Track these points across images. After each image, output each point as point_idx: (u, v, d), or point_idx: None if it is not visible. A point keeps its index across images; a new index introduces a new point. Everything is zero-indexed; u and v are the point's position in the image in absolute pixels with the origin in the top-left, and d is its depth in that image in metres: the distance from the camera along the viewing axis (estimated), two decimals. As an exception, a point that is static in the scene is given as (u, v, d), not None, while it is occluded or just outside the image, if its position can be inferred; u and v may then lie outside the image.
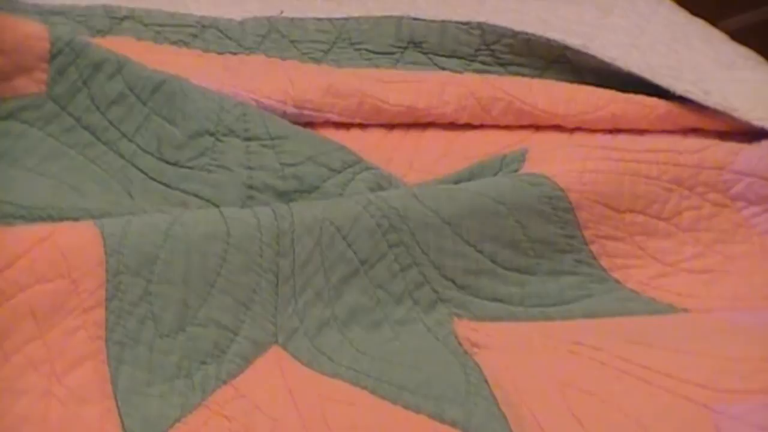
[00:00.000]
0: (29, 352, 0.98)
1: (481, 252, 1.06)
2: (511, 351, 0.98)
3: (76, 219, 1.10)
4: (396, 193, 1.09)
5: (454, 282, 1.05)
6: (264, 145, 1.18)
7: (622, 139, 1.17)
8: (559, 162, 1.11)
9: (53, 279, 1.00)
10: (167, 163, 1.19)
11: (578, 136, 1.24)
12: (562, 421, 0.90)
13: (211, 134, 1.18)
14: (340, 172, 1.16)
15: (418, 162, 1.21)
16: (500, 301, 1.05)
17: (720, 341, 0.94)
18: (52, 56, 1.23)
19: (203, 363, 1.00)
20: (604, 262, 1.07)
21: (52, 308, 0.99)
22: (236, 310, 1.02)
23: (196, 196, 1.16)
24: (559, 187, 1.08)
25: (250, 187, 1.15)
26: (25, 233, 1.02)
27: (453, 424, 0.93)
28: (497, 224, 1.07)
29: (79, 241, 1.03)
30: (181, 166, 1.18)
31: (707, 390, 0.89)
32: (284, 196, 1.15)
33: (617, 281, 1.07)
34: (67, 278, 1.00)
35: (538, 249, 1.07)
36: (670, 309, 1.03)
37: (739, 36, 1.30)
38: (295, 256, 1.05)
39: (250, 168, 1.16)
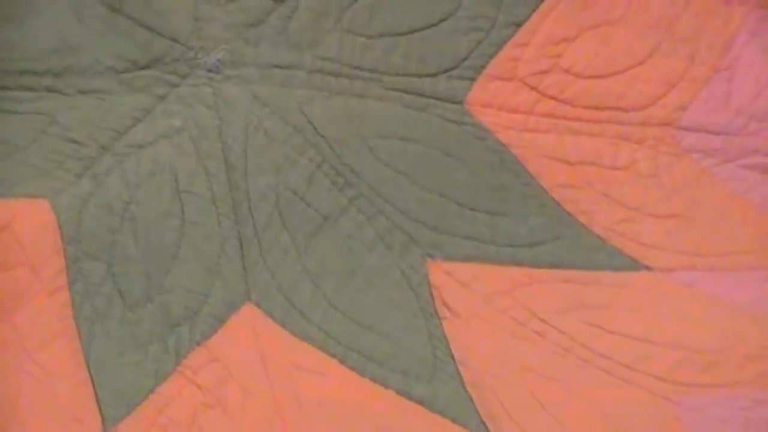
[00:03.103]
0: None
1: (444, 196, 1.06)
2: (478, 325, 0.99)
3: (22, 71, 1.09)
4: (349, 145, 1.07)
5: (424, 224, 1.05)
6: None
7: (568, 91, 1.14)
8: (503, 110, 1.09)
9: (13, 267, 1.01)
10: None
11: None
12: (525, 405, 0.92)
13: None
14: (283, 1, 1.11)
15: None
16: (473, 239, 1.05)
17: (679, 327, 0.95)
18: None
19: (176, 326, 1.02)
20: (569, 206, 1.06)
21: (15, 293, 1.01)
22: (204, 275, 1.03)
23: (142, 25, 1.11)
24: (502, 142, 1.07)
25: (197, 19, 1.11)
26: None
27: (420, 402, 0.95)
28: (452, 175, 1.06)
29: (35, 231, 1.03)
30: None
31: (667, 383, 0.91)
32: (232, 29, 1.11)
33: (584, 225, 1.06)
34: (26, 266, 1.02)
35: (500, 194, 1.07)
36: (633, 265, 1.03)
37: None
38: (255, 221, 1.05)
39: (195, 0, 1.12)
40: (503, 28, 1.09)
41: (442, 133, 1.09)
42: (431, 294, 1.03)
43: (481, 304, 1.01)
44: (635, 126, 1.08)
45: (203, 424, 0.95)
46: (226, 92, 1.09)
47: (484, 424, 0.92)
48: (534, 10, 1.09)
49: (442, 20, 1.10)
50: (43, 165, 1.07)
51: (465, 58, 1.09)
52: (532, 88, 1.10)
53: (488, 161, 1.07)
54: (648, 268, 1.03)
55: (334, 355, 0.99)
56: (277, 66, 1.10)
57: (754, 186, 1.06)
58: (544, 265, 1.04)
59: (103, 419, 0.97)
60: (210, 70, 1.10)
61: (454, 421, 0.94)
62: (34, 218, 1.05)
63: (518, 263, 1.04)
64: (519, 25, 1.09)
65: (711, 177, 1.07)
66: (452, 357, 0.98)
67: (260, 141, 1.08)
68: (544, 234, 1.06)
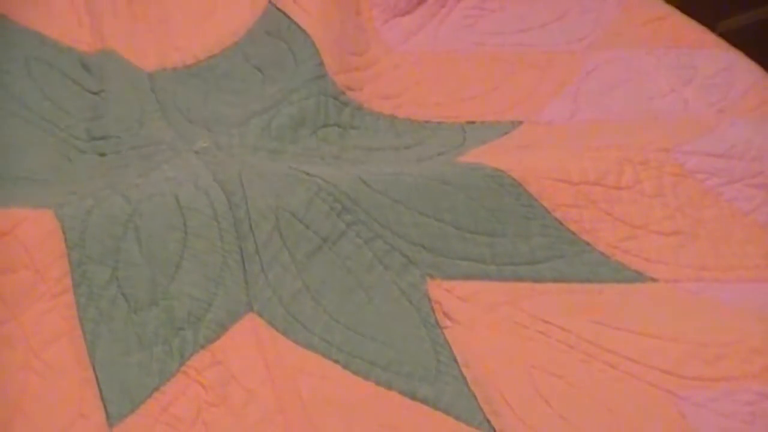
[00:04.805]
0: (4, 332, 1.01)
1: (441, 221, 1.07)
2: (481, 330, 0.99)
3: (21, 178, 1.15)
4: (345, 178, 1.10)
5: (423, 246, 1.06)
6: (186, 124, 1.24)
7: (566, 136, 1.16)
8: (495, 154, 1.12)
9: (18, 270, 1.04)
10: (97, 139, 1.23)
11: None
12: (530, 401, 0.92)
13: (137, 119, 1.24)
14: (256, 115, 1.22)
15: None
16: (472, 260, 1.06)
17: (685, 324, 0.95)
18: None
19: (180, 329, 1.02)
20: (572, 226, 1.07)
21: (21, 294, 1.02)
22: (207, 284, 1.04)
23: (132, 148, 1.20)
24: (500, 168, 1.08)
25: (181, 134, 1.20)
26: None
27: (424, 402, 0.95)
28: (448, 199, 1.08)
29: (40, 236, 1.06)
30: (110, 138, 1.22)
31: (672, 376, 0.91)
32: (216, 128, 1.22)
33: (588, 243, 1.07)
34: (31, 269, 1.04)
35: (499, 216, 1.07)
36: (638, 277, 1.03)
37: (738, 36, 1.27)
38: (255, 238, 1.07)
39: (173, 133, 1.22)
40: None
41: (436, 167, 1.12)
42: (432, 308, 1.04)
43: (482, 314, 1.02)
44: (635, 151, 1.10)
45: (207, 421, 0.95)
46: (216, 159, 1.17)
47: (488, 421, 0.92)
48: None
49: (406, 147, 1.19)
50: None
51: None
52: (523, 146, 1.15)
53: (486, 186, 1.09)
54: (653, 279, 1.04)
55: (337, 361, 1.00)
56: (261, 149, 1.17)
57: (760, 205, 1.07)
58: (546, 280, 1.05)
59: (108, 416, 0.96)
60: (197, 152, 1.19)
61: (457, 418, 0.93)
62: (38, 225, 1.07)
63: (520, 279, 1.05)
64: None
65: (716, 197, 1.08)
66: (455, 360, 0.98)
67: (256, 179, 1.12)
68: (546, 252, 1.07)
